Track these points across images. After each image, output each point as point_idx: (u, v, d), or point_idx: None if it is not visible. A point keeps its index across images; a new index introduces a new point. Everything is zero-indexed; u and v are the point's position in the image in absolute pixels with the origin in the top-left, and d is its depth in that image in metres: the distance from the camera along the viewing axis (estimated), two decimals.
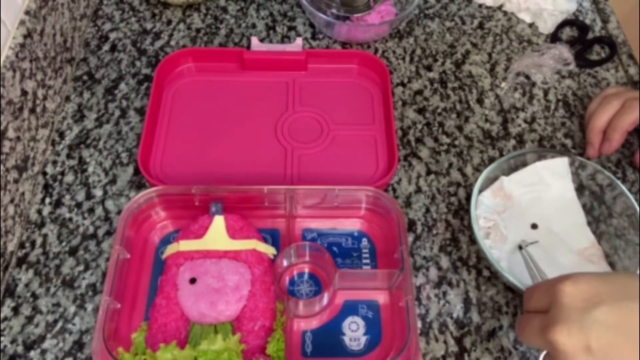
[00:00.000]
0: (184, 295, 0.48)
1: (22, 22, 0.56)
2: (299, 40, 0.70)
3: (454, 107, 0.66)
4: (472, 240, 0.57)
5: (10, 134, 0.53)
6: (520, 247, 0.54)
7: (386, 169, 0.59)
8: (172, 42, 0.71)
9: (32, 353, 0.49)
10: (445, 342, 0.51)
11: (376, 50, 0.71)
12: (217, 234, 0.51)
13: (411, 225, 0.57)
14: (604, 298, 0.37)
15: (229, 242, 0.51)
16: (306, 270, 0.54)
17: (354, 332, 0.50)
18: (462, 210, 0.59)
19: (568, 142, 0.64)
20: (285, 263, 0.53)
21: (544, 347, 0.39)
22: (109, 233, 0.56)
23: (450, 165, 0.62)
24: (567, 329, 0.37)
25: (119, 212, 0.57)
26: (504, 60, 0.71)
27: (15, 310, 0.51)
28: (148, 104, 0.61)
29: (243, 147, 0.61)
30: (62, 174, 0.60)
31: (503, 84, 0.69)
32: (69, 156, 0.61)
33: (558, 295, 0.38)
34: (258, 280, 0.49)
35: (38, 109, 0.59)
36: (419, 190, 0.60)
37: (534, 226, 0.56)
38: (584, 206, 0.57)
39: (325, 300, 0.51)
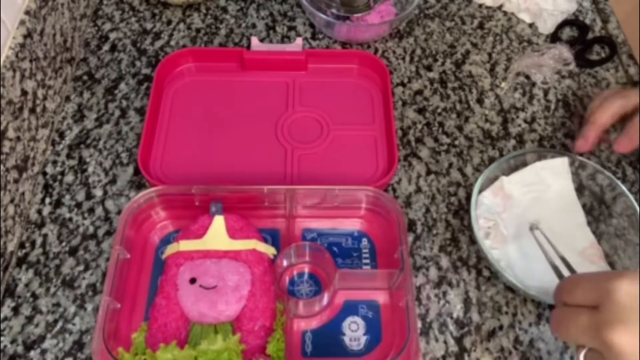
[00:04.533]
0: (184, 295, 0.48)
1: (22, 22, 0.56)
2: (299, 40, 0.70)
3: (454, 107, 0.66)
4: (472, 240, 0.56)
5: (10, 134, 0.53)
6: (531, 228, 0.54)
7: (386, 169, 0.59)
8: (172, 42, 0.71)
9: (32, 353, 0.49)
10: (445, 342, 0.51)
11: (376, 50, 0.71)
12: (217, 234, 0.51)
13: (411, 225, 0.57)
14: None
15: (229, 242, 0.51)
16: (306, 270, 0.54)
17: (354, 332, 0.50)
18: (462, 210, 0.59)
19: (568, 142, 0.64)
20: (285, 263, 0.53)
21: (593, 346, 0.38)
22: (109, 233, 0.56)
23: (450, 165, 0.62)
24: (626, 329, 0.35)
25: (119, 212, 0.57)
26: (504, 60, 0.71)
27: (15, 310, 0.51)
28: (148, 104, 0.61)
29: (243, 147, 0.61)
30: (62, 174, 0.60)
31: (503, 84, 0.69)
32: (69, 156, 0.61)
33: (614, 293, 0.36)
34: (258, 280, 0.49)
35: (38, 109, 0.59)
36: (419, 190, 0.60)
37: (534, 226, 0.56)
38: (584, 206, 0.57)
39: (325, 300, 0.51)
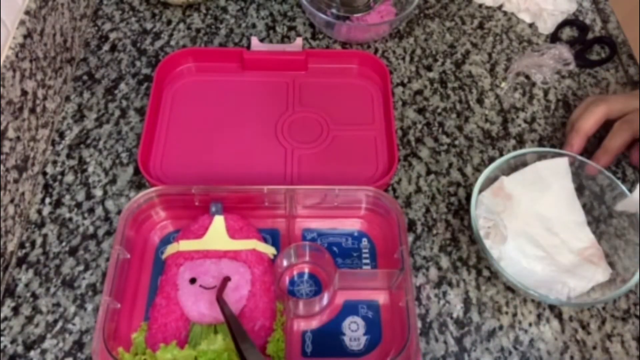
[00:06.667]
0: (184, 295, 0.48)
1: (22, 22, 0.56)
2: (299, 40, 0.70)
3: (454, 107, 0.66)
4: (472, 240, 0.57)
5: (10, 134, 0.53)
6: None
7: (386, 169, 0.59)
8: (172, 42, 0.71)
9: (32, 353, 0.49)
10: (445, 342, 0.51)
11: (376, 50, 0.71)
12: (217, 234, 0.51)
13: (411, 225, 0.57)
14: None
15: (229, 242, 0.51)
16: (306, 270, 0.54)
17: (354, 332, 0.50)
18: (462, 210, 0.59)
19: None
20: (285, 263, 0.53)
21: None
22: (109, 233, 0.56)
23: (450, 165, 0.62)
24: None
25: (119, 212, 0.57)
26: (504, 60, 0.71)
27: (15, 310, 0.51)
28: (148, 104, 0.61)
29: (243, 147, 0.61)
30: (62, 174, 0.60)
31: (503, 84, 0.69)
32: (69, 156, 0.61)
33: None
34: (258, 280, 0.49)
35: (38, 109, 0.59)
36: (419, 190, 0.60)
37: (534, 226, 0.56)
38: (584, 206, 0.57)
39: (325, 300, 0.51)
